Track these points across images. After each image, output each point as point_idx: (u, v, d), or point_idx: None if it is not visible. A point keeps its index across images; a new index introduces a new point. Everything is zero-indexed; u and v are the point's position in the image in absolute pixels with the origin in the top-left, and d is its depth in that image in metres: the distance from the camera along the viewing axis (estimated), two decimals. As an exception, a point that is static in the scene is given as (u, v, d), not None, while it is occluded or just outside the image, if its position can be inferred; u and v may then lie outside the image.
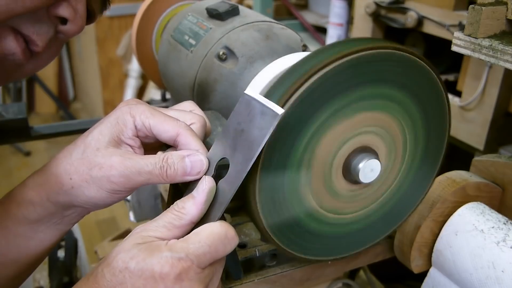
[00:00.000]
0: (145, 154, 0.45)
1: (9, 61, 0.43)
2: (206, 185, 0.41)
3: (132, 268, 0.36)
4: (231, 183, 0.41)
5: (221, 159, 0.42)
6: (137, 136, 0.44)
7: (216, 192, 0.41)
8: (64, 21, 0.44)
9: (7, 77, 0.46)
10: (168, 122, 0.44)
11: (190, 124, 0.45)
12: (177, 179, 0.42)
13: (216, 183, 0.42)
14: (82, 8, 0.44)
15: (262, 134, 0.39)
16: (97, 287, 0.37)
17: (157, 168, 0.42)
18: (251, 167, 0.40)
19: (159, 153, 0.44)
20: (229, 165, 0.41)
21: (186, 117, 0.46)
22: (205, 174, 0.42)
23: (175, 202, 0.41)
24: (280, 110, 0.38)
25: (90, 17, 0.48)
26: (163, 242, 0.38)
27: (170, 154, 0.42)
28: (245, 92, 0.41)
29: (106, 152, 0.42)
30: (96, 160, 0.42)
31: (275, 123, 0.38)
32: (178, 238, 0.39)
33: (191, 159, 0.42)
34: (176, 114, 0.46)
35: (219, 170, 0.43)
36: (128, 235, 0.40)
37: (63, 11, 0.42)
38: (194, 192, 0.41)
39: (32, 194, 0.45)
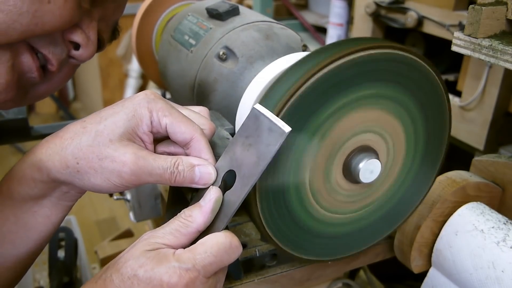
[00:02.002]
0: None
1: (26, 78, 0.46)
2: (213, 195, 0.42)
3: (140, 276, 0.38)
4: (236, 196, 0.42)
5: (228, 171, 0.43)
6: (151, 132, 0.44)
7: (222, 203, 0.42)
8: (77, 46, 0.47)
9: (23, 98, 0.48)
10: (185, 123, 0.44)
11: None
12: (184, 185, 0.43)
13: (223, 193, 0.42)
14: (94, 36, 0.47)
15: (269, 150, 0.40)
16: None
17: (168, 173, 0.42)
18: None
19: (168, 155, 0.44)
20: (235, 175, 0.42)
21: (200, 121, 0.46)
22: (212, 184, 0.43)
23: (182, 210, 0.42)
24: (287, 128, 0.39)
25: (100, 46, 0.51)
26: (170, 251, 0.39)
27: (181, 160, 0.43)
28: (254, 106, 0.42)
29: (119, 145, 0.42)
30: (108, 151, 0.42)
31: (282, 140, 0.39)
32: (184, 245, 0.41)
33: (200, 169, 0.43)
34: (191, 115, 0.46)
35: (226, 181, 0.43)
36: (136, 241, 0.41)
37: (77, 37, 0.46)
38: (201, 201, 0.42)
39: (33, 170, 0.44)
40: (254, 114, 0.41)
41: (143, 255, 0.39)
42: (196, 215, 0.41)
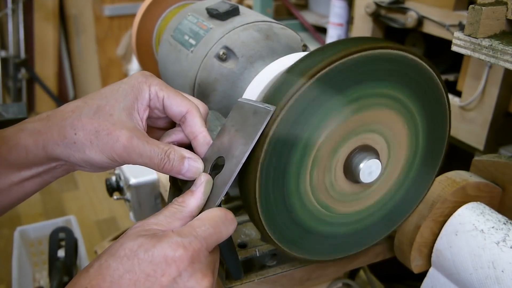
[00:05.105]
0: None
1: None
2: (203, 178, 0.43)
3: (141, 255, 0.36)
4: (226, 177, 0.43)
5: (217, 158, 0.44)
6: (149, 106, 0.45)
7: (212, 188, 0.43)
8: None
9: None
10: (180, 97, 0.46)
11: None
12: (170, 174, 0.44)
13: (212, 178, 0.44)
14: None
15: (256, 129, 0.41)
16: (101, 278, 0.36)
17: (158, 159, 0.43)
18: (251, 158, 0.42)
19: (164, 143, 0.45)
20: (223, 163, 0.43)
21: (194, 101, 0.48)
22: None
23: (174, 199, 0.43)
24: (271, 107, 0.41)
25: None
26: (168, 231, 0.39)
27: (173, 150, 0.44)
28: (238, 100, 0.44)
29: (118, 119, 0.43)
30: (107, 124, 0.42)
31: (268, 118, 0.41)
32: None
33: (190, 162, 0.44)
34: (186, 96, 0.48)
35: (215, 170, 0.44)
36: (127, 229, 0.40)
37: None
38: (193, 187, 0.43)
39: (28, 140, 0.44)
40: (238, 106, 0.44)
41: (140, 237, 0.38)
42: (188, 199, 0.42)
